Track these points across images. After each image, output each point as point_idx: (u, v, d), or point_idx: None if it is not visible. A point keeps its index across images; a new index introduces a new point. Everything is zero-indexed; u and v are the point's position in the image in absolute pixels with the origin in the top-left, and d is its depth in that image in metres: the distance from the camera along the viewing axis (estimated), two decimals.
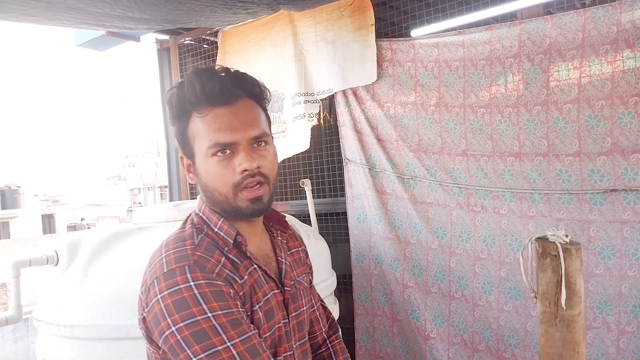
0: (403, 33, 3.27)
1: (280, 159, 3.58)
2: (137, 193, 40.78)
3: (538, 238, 1.63)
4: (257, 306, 1.18)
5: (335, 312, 2.77)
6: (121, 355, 2.16)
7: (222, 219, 1.20)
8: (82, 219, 26.83)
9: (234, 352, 1.04)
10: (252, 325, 1.12)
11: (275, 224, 1.41)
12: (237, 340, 1.05)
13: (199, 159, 1.17)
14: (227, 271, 1.14)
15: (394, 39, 3.16)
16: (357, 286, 3.34)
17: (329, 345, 1.51)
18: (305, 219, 3.36)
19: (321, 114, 3.45)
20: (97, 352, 2.19)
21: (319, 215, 3.54)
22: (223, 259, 1.15)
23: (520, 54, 2.70)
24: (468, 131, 2.88)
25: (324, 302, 1.55)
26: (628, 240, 2.40)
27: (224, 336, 1.04)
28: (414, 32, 3.29)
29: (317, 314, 1.47)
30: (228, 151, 1.14)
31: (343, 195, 3.44)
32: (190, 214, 1.27)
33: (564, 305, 1.53)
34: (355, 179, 3.34)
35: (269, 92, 1.26)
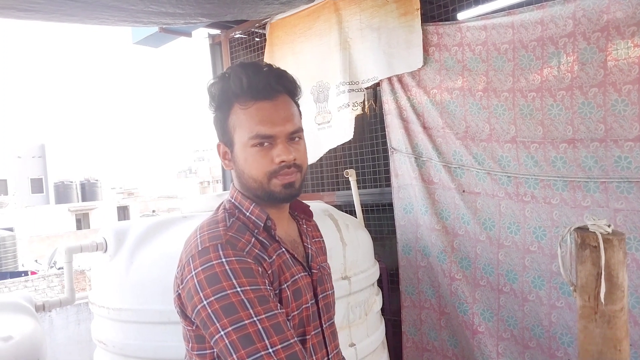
0: (450, 16, 3.15)
1: (325, 150, 3.59)
2: (206, 186, 42.37)
3: (577, 228, 1.52)
4: (285, 285, 1.23)
5: (377, 303, 2.74)
6: (164, 339, 2.25)
7: (253, 204, 1.27)
8: (153, 211, 28.22)
9: (260, 327, 1.09)
10: (279, 304, 1.17)
11: (300, 213, 1.47)
12: (264, 315, 1.10)
13: (238, 147, 1.24)
14: (256, 250, 1.20)
15: (440, 23, 3.05)
16: (403, 278, 3.28)
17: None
18: (352, 209, 3.34)
19: (366, 102, 3.40)
20: (143, 335, 2.30)
21: (366, 206, 3.51)
22: (253, 239, 1.22)
23: (575, 32, 2.52)
24: (517, 117, 2.73)
25: None
26: None
27: (251, 311, 1.09)
28: (461, 15, 3.16)
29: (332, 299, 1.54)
30: (267, 143, 1.21)
31: (389, 185, 3.38)
32: (222, 202, 1.35)
33: (603, 300, 1.41)
34: (401, 168, 3.27)
35: (301, 89, 1.33)
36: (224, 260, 1.13)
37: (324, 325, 1.34)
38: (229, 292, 1.10)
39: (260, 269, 1.17)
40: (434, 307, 3.13)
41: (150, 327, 2.25)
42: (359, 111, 3.38)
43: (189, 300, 1.16)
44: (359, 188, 3.39)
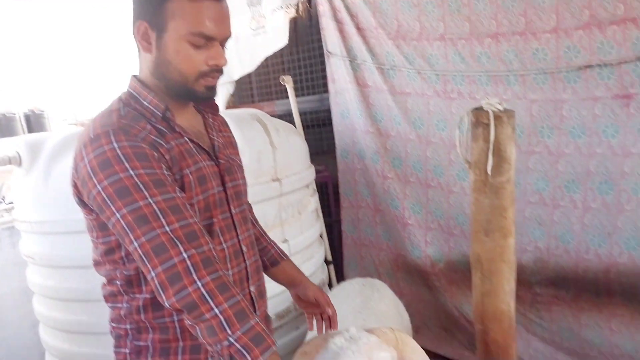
0: None
1: (262, 57, 3.54)
2: None
3: (474, 109, 1.61)
4: (188, 171, 1.24)
5: (312, 204, 2.86)
6: (89, 246, 2.30)
7: (152, 94, 1.24)
8: None
9: (155, 207, 1.10)
10: (177, 189, 1.18)
11: (206, 107, 1.46)
12: (160, 197, 1.11)
13: (172, 37, 1.19)
14: (152, 137, 1.19)
15: None
16: (342, 181, 3.40)
17: (266, 237, 1.66)
18: (292, 119, 3.37)
19: (300, 4, 3.33)
20: (68, 245, 2.26)
21: (312, 121, 3.53)
22: (149, 127, 1.20)
23: None
24: (446, 13, 2.75)
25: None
26: (599, 117, 2.33)
27: (145, 193, 1.10)
28: None
29: (251, 216, 1.61)
30: (205, 43, 1.19)
31: (328, 91, 3.40)
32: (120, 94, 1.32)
33: (489, 172, 1.53)
34: (337, 73, 3.28)
35: None
36: (115, 145, 1.12)
37: (233, 211, 1.37)
38: (121, 175, 1.11)
39: (156, 154, 1.17)
40: (370, 205, 3.29)
41: (74, 236, 2.18)
42: (292, 14, 3.32)
43: (84, 187, 1.17)
44: (297, 96, 3.40)
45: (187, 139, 1.28)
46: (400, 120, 3.01)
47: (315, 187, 3.17)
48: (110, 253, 1.26)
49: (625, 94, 2.26)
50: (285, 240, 2.57)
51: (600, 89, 2.31)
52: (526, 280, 2.69)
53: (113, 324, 1.33)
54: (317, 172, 3.63)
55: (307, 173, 2.83)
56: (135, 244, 1.10)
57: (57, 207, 2.21)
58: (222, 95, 3.70)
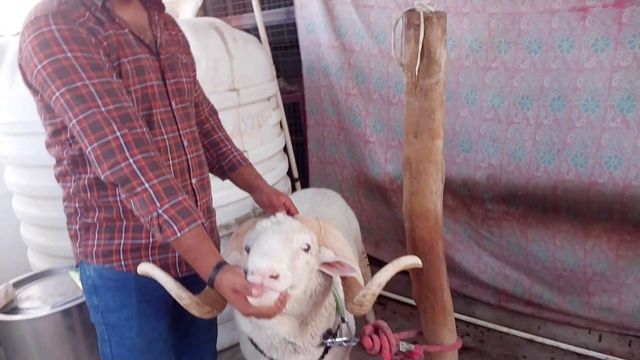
0: None
1: None
2: None
3: (408, 10, 1.59)
4: (125, 60, 1.30)
5: (273, 117, 2.85)
6: None
7: None
8: None
9: (92, 89, 1.18)
10: (115, 75, 1.26)
11: (152, 4, 1.49)
12: (96, 80, 1.19)
13: None
14: (90, 24, 1.25)
15: None
16: (309, 99, 3.39)
17: (211, 121, 1.75)
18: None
19: None
20: (38, 145, 2.32)
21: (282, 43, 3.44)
22: (88, 14, 1.26)
23: None
24: None
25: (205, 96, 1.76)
26: (556, 31, 2.30)
27: (83, 74, 1.18)
28: None
29: (201, 98, 1.69)
30: None
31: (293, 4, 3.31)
32: None
33: (416, 73, 1.54)
34: None
35: None
36: (53, 27, 1.18)
37: (174, 106, 1.44)
38: (59, 56, 1.17)
39: (94, 39, 1.23)
40: (335, 123, 3.30)
41: (41, 137, 2.29)
42: None
43: (27, 67, 1.23)
44: (263, 9, 3.31)
45: (127, 31, 1.34)
46: (363, 35, 2.96)
47: (279, 102, 3.17)
48: (57, 134, 1.35)
49: (582, 7, 2.21)
50: (245, 151, 2.60)
51: (558, 0, 2.26)
52: (479, 196, 2.76)
53: (65, 203, 1.45)
54: (290, 92, 3.62)
55: (268, 86, 2.81)
56: (74, 121, 1.19)
57: (24, 109, 2.20)
58: (190, 6, 3.60)
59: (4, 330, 2.04)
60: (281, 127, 3.21)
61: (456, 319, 2.92)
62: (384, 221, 3.27)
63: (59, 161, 1.42)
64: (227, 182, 2.57)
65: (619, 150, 2.26)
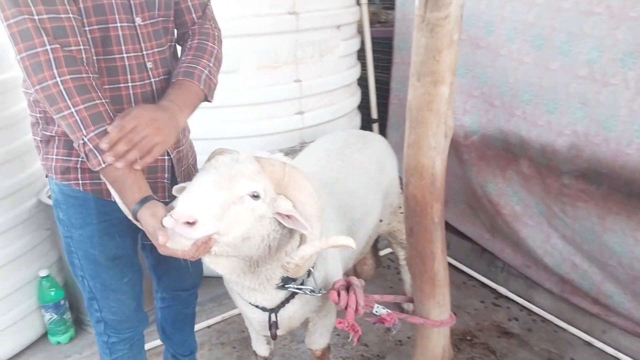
0: None
1: None
2: None
3: None
4: None
5: (340, 48, 2.67)
6: None
7: None
8: None
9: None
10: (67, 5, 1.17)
11: None
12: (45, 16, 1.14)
13: None
14: None
15: None
16: (398, 33, 3.11)
17: (190, 56, 1.44)
18: None
19: None
20: None
21: None
22: None
23: None
24: None
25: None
26: None
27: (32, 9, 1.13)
28: None
29: (190, 4, 1.48)
30: None
31: None
32: None
33: (425, 3, 1.28)
34: None
35: None
36: None
37: (138, 22, 1.32)
38: None
39: None
40: None
41: None
42: None
43: None
44: None
45: None
46: None
47: (365, 32, 2.97)
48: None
49: None
50: (298, 80, 2.52)
51: None
52: (556, 168, 2.34)
53: (29, 111, 1.44)
54: (383, 24, 3.38)
55: (341, 12, 2.62)
56: (4, 23, 1.14)
57: None
58: None
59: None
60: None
61: (510, 300, 2.66)
62: (455, 180, 2.98)
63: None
64: (274, 111, 2.55)
65: None
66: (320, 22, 2.50)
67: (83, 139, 1.16)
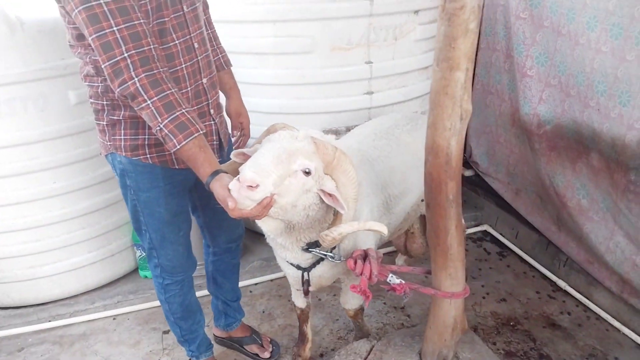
0: None
1: None
2: None
3: None
4: None
5: (416, 32, 2.71)
6: None
7: None
8: None
9: (105, 8, 1.30)
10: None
11: None
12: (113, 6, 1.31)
13: None
14: None
15: None
16: (485, 18, 3.07)
17: (214, 42, 1.85)
18: None
19: None
20: None
21: None
22: None
23: None
24: None
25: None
26: None
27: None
28: None
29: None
30: None
31: None
32: None
33: None
34: None
35: None
36: None
37: (185, 10, 1.53)
38: None
39: None
40: (503, 49, 2.96)
41: None
42: None
43: (66, 5, 1.35)
44: None
45: None
46: None
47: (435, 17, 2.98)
48: (81, 38, 1.47)
49: None
50: (369, 62, 2.66)
51: None
52: (624, 163, 2.24)
53: (92, 100, 1.63)
54: None
55: None
56: (89, 39, 1.34)
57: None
58: None
59: None
60: None
61: (567, 295, 2.62)
62: (528, 169, 2.94)
63: (85, 63, 1.55)
64: (344, 90, 2.72)
65: None
66: (396, 7, 2.59)
67: (159, 126, 1.37)
